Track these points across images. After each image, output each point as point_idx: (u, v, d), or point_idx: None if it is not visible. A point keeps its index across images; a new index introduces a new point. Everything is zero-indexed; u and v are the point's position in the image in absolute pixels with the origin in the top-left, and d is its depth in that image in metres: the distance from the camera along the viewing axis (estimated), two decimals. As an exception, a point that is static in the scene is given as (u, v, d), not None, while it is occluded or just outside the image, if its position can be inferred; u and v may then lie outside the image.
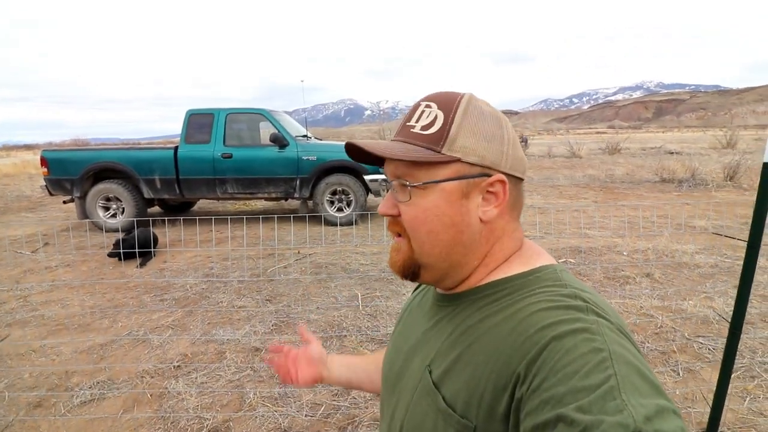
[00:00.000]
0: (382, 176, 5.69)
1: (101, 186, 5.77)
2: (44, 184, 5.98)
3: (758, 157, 9.44)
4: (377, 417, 1.99)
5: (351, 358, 0.83)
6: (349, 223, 5.84)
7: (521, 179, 0.53)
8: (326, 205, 5.89)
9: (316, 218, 5.99)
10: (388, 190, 0.55)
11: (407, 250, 0.53)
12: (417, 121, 0.51)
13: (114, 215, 5.88)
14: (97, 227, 5.75)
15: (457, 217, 0.50)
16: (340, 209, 5.94)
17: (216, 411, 2.06)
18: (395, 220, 0.53)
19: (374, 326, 2.89)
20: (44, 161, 5.82)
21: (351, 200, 5.89)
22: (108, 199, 5.86)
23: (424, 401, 0.49)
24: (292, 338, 2.77)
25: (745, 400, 2.02)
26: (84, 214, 5.86)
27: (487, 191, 0.50)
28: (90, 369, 2.43)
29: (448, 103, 0.50)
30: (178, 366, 2.47)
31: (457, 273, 0.53)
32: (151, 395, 2.19)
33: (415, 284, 0.72)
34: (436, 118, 0.50)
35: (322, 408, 2.07)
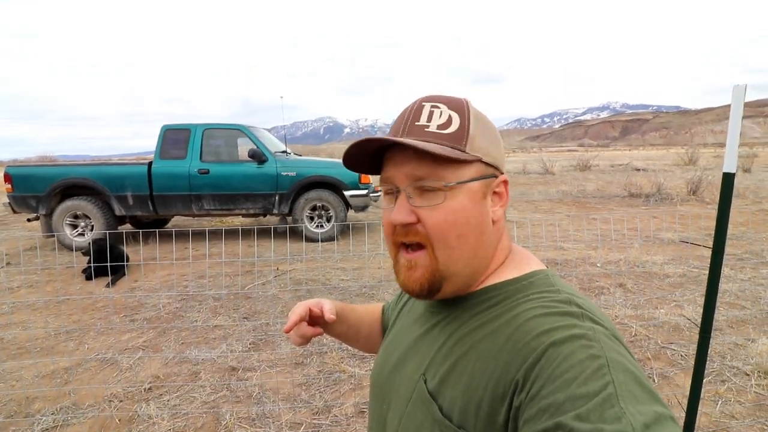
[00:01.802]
0: (365, 191, 5.67)
1: (69, 203, 5.55)
2: (7, 201, 5.72)
3: (718, 173, 9.97)
4: (359, 434, 1.94)
5: (345, 309, 0.74)
6: (330, 239, 5.80)
7: None
8: (306, 221, 5.84)
9: (296, 233, 5.92)
10: (376, 201, 0.54)
11: (430, 262, 0.48)
12: (429, 121, 0.48)
13: (82, 233, 5.65)
14: (64, 245, 5.50)
15: (479, 218, 0.49)
16: (320, 225, 5.90)
17: (190, 434, 1.96)
18: (407, 230, 0.48)
19: (355, 341, 2.84)
20: (8, 177, 5.57)
21: (331, 216, 5.86)
22: (76, 217, 5.64)
23: (419, 411, 0.47)
24: (270, 356, 2.70)
25: (717, 404, 2.09)
26: (50, 231, 5.62)
27: (493, 192, 0.50)
28: (53, 393, 2.29)
29: (457, 104, 0.50)
30: (149, 388, 2.35)
31: (474, 279, 0.51)
32: (119, 420, 2.07)
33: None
34: (450, 117, 0.48)
35: (302, 427, 2.01)
